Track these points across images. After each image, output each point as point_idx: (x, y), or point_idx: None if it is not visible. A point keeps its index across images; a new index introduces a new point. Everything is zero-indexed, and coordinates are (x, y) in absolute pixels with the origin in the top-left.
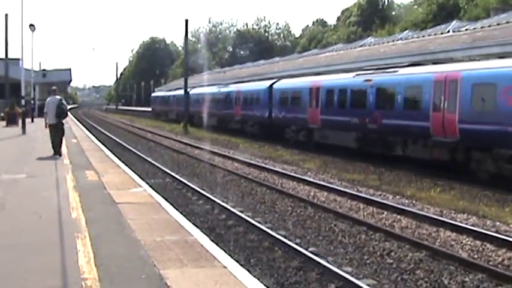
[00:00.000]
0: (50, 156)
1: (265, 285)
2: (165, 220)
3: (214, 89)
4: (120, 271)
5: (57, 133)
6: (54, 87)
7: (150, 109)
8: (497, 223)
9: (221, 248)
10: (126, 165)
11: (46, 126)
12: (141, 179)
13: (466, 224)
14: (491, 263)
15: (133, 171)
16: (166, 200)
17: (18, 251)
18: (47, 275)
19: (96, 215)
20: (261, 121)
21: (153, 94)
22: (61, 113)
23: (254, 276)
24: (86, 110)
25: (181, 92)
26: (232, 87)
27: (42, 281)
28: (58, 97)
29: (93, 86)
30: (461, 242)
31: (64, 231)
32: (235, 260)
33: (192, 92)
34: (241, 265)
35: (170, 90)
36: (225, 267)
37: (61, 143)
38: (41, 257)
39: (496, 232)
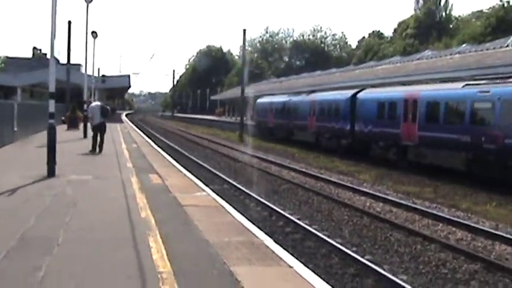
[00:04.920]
0: (113, 159)
1: (330, 285)
2: (230, 222)
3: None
4: (192, 267)
5: (100, 132)
6: (90, 100)
7: (211, 117)
8: None
9: (285, 249)
10: (188, 170)
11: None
12: (204, 184)
13: None
14: None
15: (196, 177)
16: (230, 204)
17: (95, 245)
18: (126, 267)
19: (164, 215)
20: None
21: (261, 100)
22: (106, 113)
23: (319, 276)
24: (141, 116)
25: (341, 95)
26: None
27: (122, 272)
28: (99, 103)
29: (149, 93)
30: None
31: (135, 229)
32: (300, 261)
33: (366, 94)
34: (306, 266)
35: (291, 94)
36: (290, 266)
37: (103, 141)
38: (117, 251)
39: None
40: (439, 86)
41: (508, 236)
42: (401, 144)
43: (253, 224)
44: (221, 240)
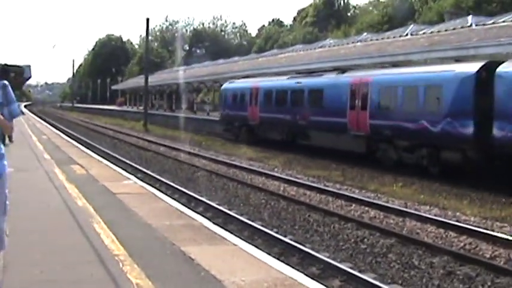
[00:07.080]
0: (29, 151)
1: (274, 256)
2: (166, 208)
3: None
4: (145, 249)
5: None
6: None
7: (113, 108)
8: (457, 213)
9: (227, 230)
10: (107, 160)
11: None
12: (128, 172)
13: (429, 214)
14: (454, 248)
15: (117, 166)
16: (160, 191)
17: (45, 234)
18: (81, 252)
19: (100, 203)
20: None
21: (232, 85)
22: None
23: (263, 251)
24: (40, 107)
25: (446, 72)
26: None
27: (81, 257)
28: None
29: (46, 83)
30: (426, 230)
31: (77, 218)
32: (242, 239)
33: None
34: (250, 243)
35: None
36: (235, 245)
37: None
38: (67, 239)
39: (457, 221)
40: None
41: (417, 212)
42: None
43: (189, 208)
44: (163, 224)
